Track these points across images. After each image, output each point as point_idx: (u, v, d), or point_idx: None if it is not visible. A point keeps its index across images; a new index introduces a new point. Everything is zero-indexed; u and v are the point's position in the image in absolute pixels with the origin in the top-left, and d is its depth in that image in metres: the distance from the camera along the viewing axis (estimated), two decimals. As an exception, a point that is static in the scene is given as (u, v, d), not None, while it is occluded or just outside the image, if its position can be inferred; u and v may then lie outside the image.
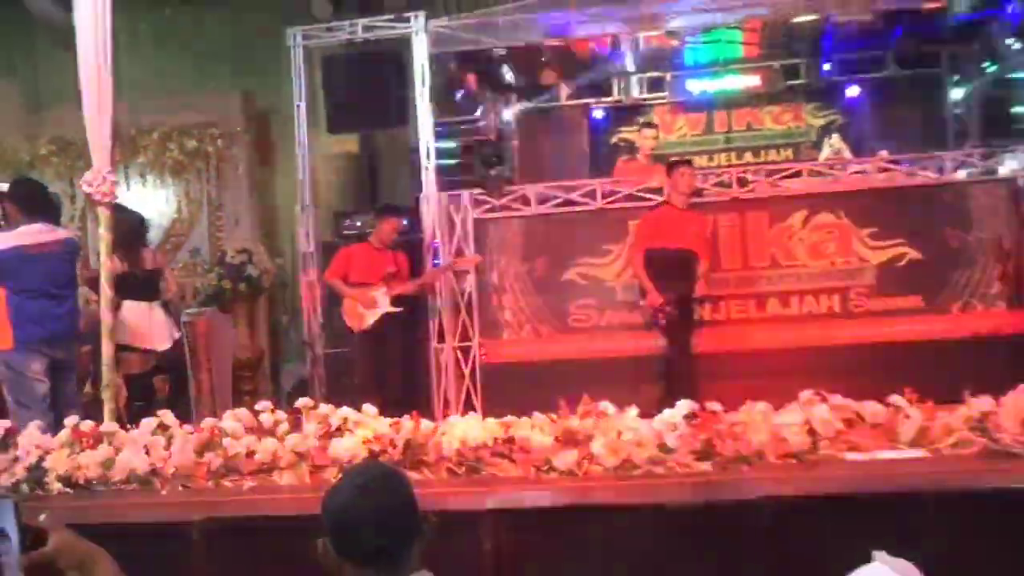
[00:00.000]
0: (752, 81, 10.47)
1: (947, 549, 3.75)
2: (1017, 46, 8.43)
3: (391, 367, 7.46)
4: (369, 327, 7.33)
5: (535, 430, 4.64)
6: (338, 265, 7.50)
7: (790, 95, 10.52)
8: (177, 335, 7.24)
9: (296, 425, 4.89)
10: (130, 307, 6.79)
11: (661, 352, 7.29)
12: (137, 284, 6.90)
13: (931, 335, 7.38)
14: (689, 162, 7.49)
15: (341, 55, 8.55)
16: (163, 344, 7.11)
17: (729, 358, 7.46)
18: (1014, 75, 8.83)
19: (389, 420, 4.79)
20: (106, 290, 5.66)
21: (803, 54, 9.96)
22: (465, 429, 4.63)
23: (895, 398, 4.76)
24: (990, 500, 3.83)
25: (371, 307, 7.31)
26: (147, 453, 4.58)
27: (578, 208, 7.80)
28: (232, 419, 4.79)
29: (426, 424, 4.76)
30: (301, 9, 8.34)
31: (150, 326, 7.01)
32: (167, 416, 4.85)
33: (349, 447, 4.49)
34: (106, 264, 5.68)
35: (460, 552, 3.56)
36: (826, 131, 10.03)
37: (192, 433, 4.75)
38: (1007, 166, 7.47)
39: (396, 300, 7.33)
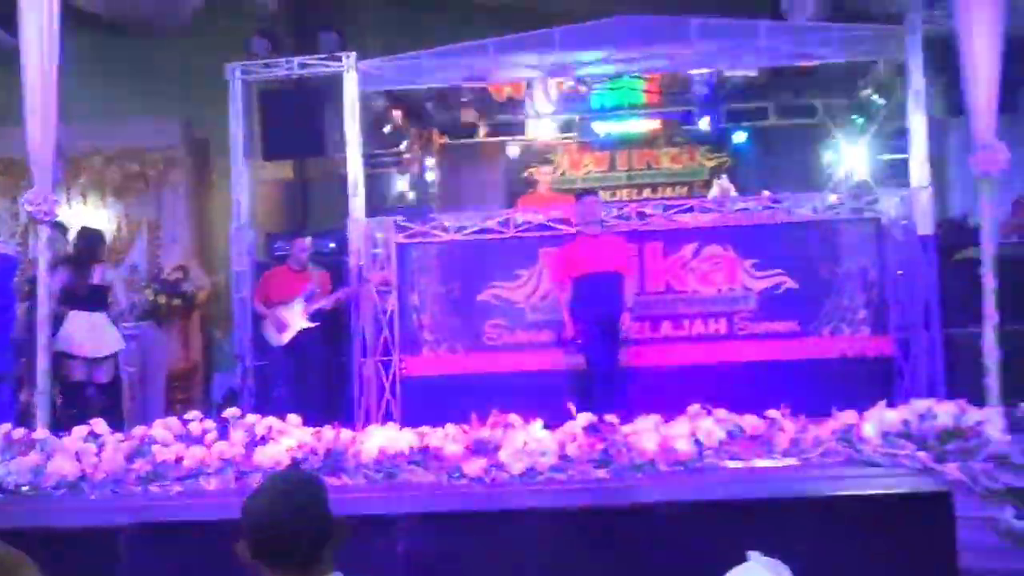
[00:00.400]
0: (652, 125, 10.61)
1: (815, 549, 3.81)
2: (880, 101, 8.71)
3: (312, 379, 7.33)
4: (287, 342, 7.25)
5: (448, 439, 4.60)
6: (259, 288, 7.51)
7: (685, 139, 10.68)
8: (121, 346, 7.04)
9: (224, 433, 4.77)
10: (75, 317, 6.60)
11: (580, 368, 7.25)
12: (84, 296, 6.70)
13: (805, 356, 7.53)
14: (595, 192, 7.50)
15: (277, 88, 8.45)
16: (104, 351, 6.93)
17: (627, 374, 7.51)
18: (879, 126, 9.10)
19: (312, 429, 4.70)
20: (43, 304, 5.46)
21: (697, 102, 10.12)
22: (383, 438, 4.57)
23: (771, 412, 4.85)
24: (852, 505, 3.90)
25: (288, 324, 7.22)
26: (78, 459, 4.41)
27: (493, 235, 7.79)
28: (161, 427, 4.64)
29: (346, 433, 4.69)
30: (241, 45, 8.19)
31: (93, 336, 6.80)
32: (99, 424, 4.68)
33: (273, 454, 4.39)
34: (44, 280, 5.48)
35: (375, 554, 3.49)
36: (716, 172, 10.20)
37: (123, 440, 4.60)
38: (873, 207, 7.67)
39: (314, 316, 7.26)
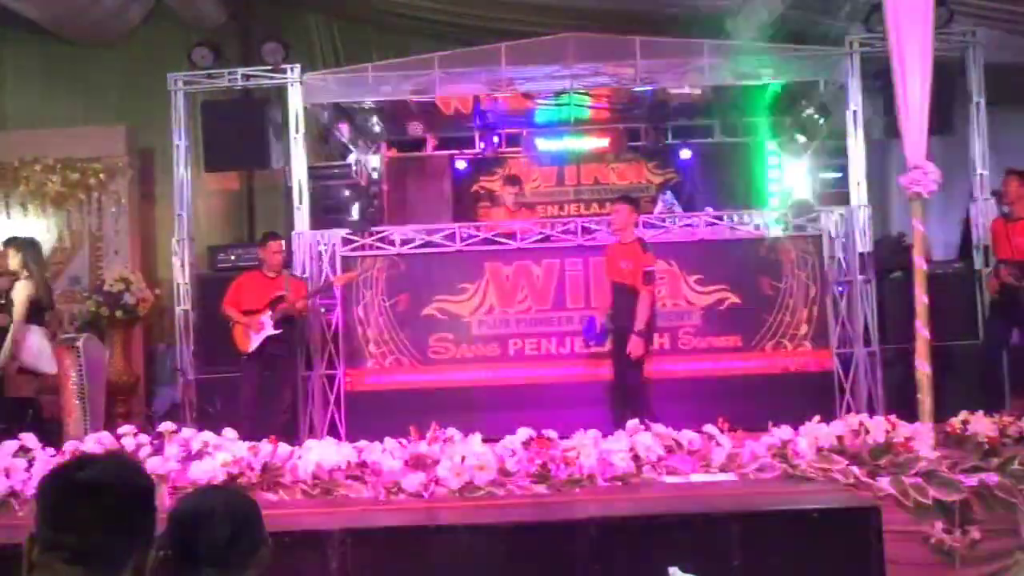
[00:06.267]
0: (599, 141, 10.67)
1: (749, 563, 3.86)
2: (821, 121, 8.86)
3: (278, 387, 7.14)
4: (253, 350, 7.04)
5: (386, 454, 4.59)
6: (231, 294, 7.16)
7: (632, 155, 10.76)
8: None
9: (159, 448, 4.71)
10: (37, 332, 6.64)
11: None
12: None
13: (747, 371, 7.63)
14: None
15: (220, 99, 8.36)
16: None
17: (570, 388, 7.55)
18: (820, 145, 9.25)
19: (248, 443, 4.66)
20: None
21: (644, 119, 10.23)
22: (320, 453, 4.55)
23: (708, 427, 4.91)
24: (785, 519, 3.96)
25: (258, 331, 7.02)
26: (7, 476, 4.32)
27: (438, 249, 7.79)
28: (94, 442, 4.57)
29: (284, 448, 4.66)
30: (183, 53, 8.11)
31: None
32: (29, 439, 4.59)
33: (208, 469, 4.35)
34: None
35: (306, 571, 3.47)
36: (663, 188, 10.28)
37: (54, 456, 4.51)
38: (814, 224, 7.80)
39: (280, 323, 7.06)
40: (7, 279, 6.90)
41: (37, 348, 6.85)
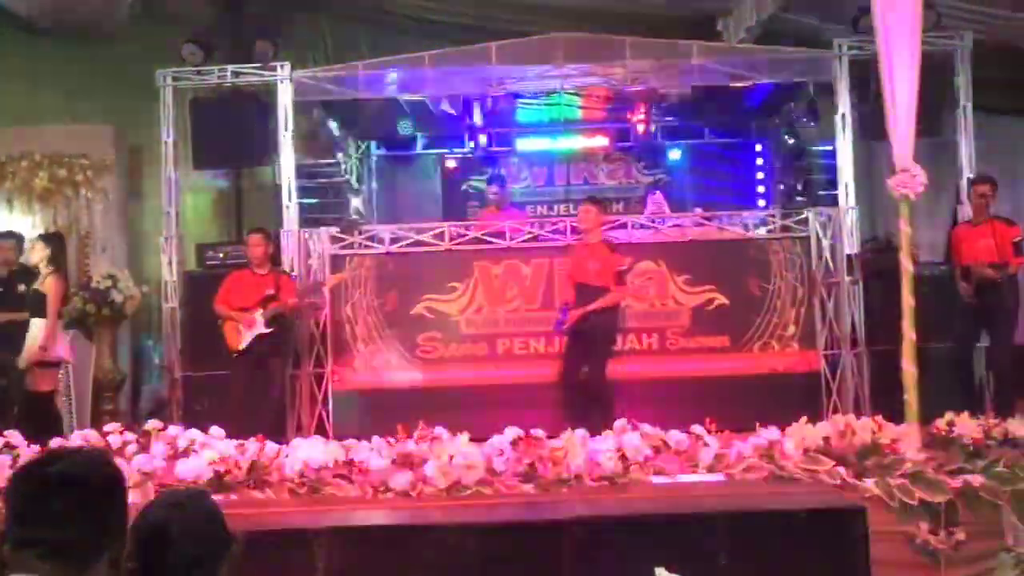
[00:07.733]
0: (589, 141, 10.69)
1: (735, 563, 3.87)
2: (811, 124, 8.90)
3: (267, 385, 7.09)
4: (243, 348, 6.98)
5: (373, 453, 4.58)
6: (222, 292, 7.08)
7: (622, 155, 10.78)
8: None
9: (146, 446, 4.70)
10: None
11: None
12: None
13: (735, 371, 7.64)
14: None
15: (209, 96, 8.33)
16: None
17: (558, 388, 7.54)
18: (808, 147, 9.29)
19: (236, 442, 4.64)
20: None
21: (633, 119, 10.24)
22: (308, 451, 4.54)
23: (696, 428, 4.92)
24: (772, 520, 3.97)
25: (250, 328, 6.95)
26: (-8, 473, 4.29)
27: (428, 248, 7.77)
28: (80, 439, 4.55)
29: (271, 446, 4.64)
30: (172, 51, 8.07)
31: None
32: (14, 436, 4.57)
33: (194, 467, 4.33)
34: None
35: (292, 570, 3.46)
36: (652, 188, 10.31)
37: (40, 453, 4.48)
38: (802, 225, 7.82)
39: (271, 321, 6.99)
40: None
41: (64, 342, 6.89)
